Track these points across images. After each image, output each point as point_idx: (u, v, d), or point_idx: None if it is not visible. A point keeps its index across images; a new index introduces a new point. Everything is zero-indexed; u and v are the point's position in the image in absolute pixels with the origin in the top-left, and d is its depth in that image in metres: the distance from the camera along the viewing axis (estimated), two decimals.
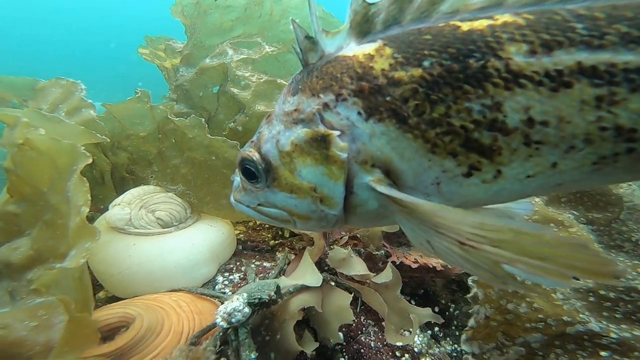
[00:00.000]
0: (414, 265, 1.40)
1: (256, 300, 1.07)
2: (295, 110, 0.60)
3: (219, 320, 1.03)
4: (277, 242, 1.63)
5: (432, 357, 1.31)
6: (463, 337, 1.16)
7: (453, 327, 1.46)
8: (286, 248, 1.59)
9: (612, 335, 0.99)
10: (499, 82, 0.48)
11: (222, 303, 1.16)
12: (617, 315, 1.03)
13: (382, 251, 1.51)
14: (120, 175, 1.63)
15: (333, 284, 1.28)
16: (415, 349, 1.31)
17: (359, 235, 1.54)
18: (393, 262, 1.37)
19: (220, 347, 1.09)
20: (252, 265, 1.49)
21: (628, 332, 0.99)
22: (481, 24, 0.51)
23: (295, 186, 0.61)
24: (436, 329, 1.45)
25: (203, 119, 1.38)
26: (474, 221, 0.45)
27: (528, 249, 0.42)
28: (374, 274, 1.32)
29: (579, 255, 0.40)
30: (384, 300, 1.27)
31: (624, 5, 0.46)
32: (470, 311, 1.15)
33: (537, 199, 1.16)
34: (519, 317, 1.06)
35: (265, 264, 1.52)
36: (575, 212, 1.18)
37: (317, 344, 1.18)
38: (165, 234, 1.40)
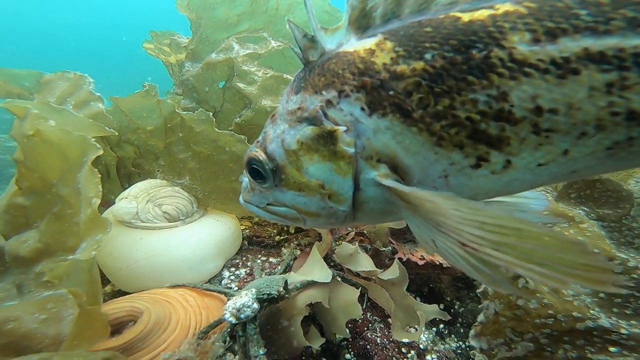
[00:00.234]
0: (421, 262, 1.40)
1: (265, 296, 1.07)
2: (299, 108, 0.60)
3: (227, 315, 1.03)
4: (282, 237, 1.63)
5: (438, 354, 1.31)
6: (472, 332, 1.16)
7: (458, 325, 1.46)
8: (292, 244, 1.59)
9: (623, 331, 0.98)
10: (504, 72, 0.48)
11: (229, 298, 1.16)
12: (627, 312, 1.02)
13: (389, 247, 1.51)
14: (127, 169, 1.62)
15: (340, 279, 1.28)
16: (421, 346, 1.31)
17: (365, 232, 1.53)
18: (400, 259, 1.37)
19: (228, 342, 1.09)
20: (258, 261, 1.49)
21: (638, 328, 0.98)
22: (482, 14, 0.50)
23: (304, 184, 0.61)
24: (441, 326, 1.45)
25: (210, 113, 1.37)
26: (476, 220, 0.44)
27: (528, 253, 0.41)
28: (381, 270, 1.32)
29: (578, 259, 0.39)
30: (390, 297, 1.27)
31: None
32: (479, 306, 1.15)
33: (548, 195, 1.16)
34: (529, 313, 1.06)
35: (271, 259, 1.52)
36: (585, 209, 1.18)
37: (323, 340, 1.18)
38: (172, 228, 1.40)
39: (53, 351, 0.84)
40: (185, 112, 1.40)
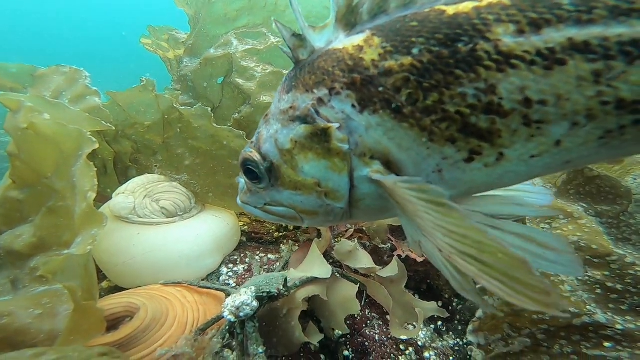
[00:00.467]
0: (420, 259, 1.40)
1: (265, 294, 1.06)
2: (291, 107, 0.60)
3: (226, 314, 1.02)
4: (281, 234, 1.63)
5: (436, 351, 1.31)
6: (470, 327, 1.16)
7: (456, 322, 1.46)
8: (290, 241, 1.58)
9: (618, 326, 0.99)
10: (491, 65, 0.47)
11: (227, 295, 1.15)
12: (623, 307, 1.02)
13: (388, 245, 1.51)
14: (124, 165, 1.61)
15: (338, 276, 1.28)
16: (419, 343, 1.31)
17: (364, 229, 1.53)
18: (399, 256, 1.37)
19: (227, 339, 1.08)
20: (257, 257, 1.48)
21: (633, 323, 0.99)
22: (466, 6, 0.50)
23: (299, 183, 0.61)
24: (439, 323, 1.45)
25: (209, 108, 1.36)
26: (445, 227, 0.44)
27: (487, 266, 0.42)
28: (380, 268, 1.32)
29: (524, 279, 0.40)
30: (389, 294, 1.27)
31: None
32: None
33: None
34: (526, 309, 1.07)
35: (269, 255, 1.51)
36: (584, 205, 1.18)
37: (322, 336, 1.18)
38: (170, 224, 1.39)
39: (48, 347, 0.83)
40: (183, 107, 1.39)
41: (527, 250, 0.49)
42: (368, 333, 1.28)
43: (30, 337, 0.82)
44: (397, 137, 0.53)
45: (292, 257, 1.42)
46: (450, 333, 1.44)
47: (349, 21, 0.58)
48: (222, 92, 1.88)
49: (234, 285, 1.38)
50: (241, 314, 1.02)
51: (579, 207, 1.16)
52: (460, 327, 1.44)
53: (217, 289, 1.27)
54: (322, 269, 1.18)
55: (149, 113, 1.50)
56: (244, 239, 1.63)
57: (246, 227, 1.66)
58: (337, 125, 0.55)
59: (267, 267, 1.44)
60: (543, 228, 1.16)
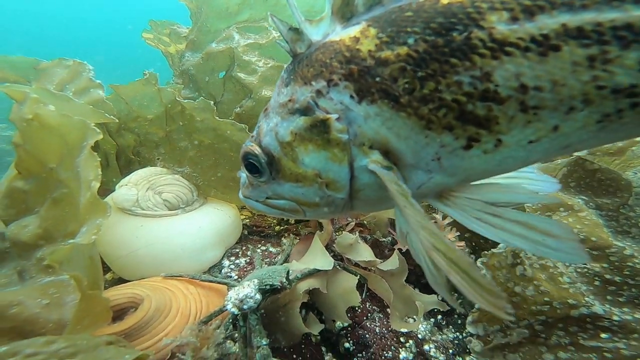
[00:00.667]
0: None
1: (267, 287, 1.07)
2: (290, 100, 0.60)
3: (230, 306, 1.03)
4: (282, 227, 1.64)
5: (435, 344, 1.32)
6: (469, 319, 1.17)
7: (455, 316, 1.47)
8: (291, 234, 1.60)
9: (615, 317, 1.00)
10: (486, 53, 0.47)
11: (229, 288, 1.16)
12: (620, 299, 1.04)
13: (389, 238, 1.52)
14: (126, 157, 1.62)
15: (339, 268, 1.29)
16: (419, 336, 1.32)
17: (365, 222, 1.54)
18: (399, 250, 1.38)
19: (230, 331, 1.09)
20: (258, 250, 1.49)
21: (630, 315, 1.00)
22: None
23: (300, 175, 0.61)
24: (439, 317, 1.46)
25: (212, 102, 1.37)
26: (420, 223, 0.46)
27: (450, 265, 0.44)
28: (380, 261, 1.33)
29: (477, 281, 0.42)
30: (389, 287, 1.28)
31: None
32: None
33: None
34: (525, 300, 1.07)
35: (271, 249, 1.52)
36: (585, 197, 1.19)
37: (322, 326, 1.19)
38: (172, 216, 1.40)
39: (57, 335, 0.84)
40: (186, 101, 1.40)
41: (527, 237, 0.50)
42: (369, 325, 1.29)
43: (39, 326, 0.83)
44: (395, 126, 0.53)
45: (294, 249, 1.44)
46: (450, 327, 1.45)
47: (344, 13, 0.58)
48: (223, 86, 1.89)
49: (236, 277, 1.39)
50: (245, 307, 1.03)
51: (579, 200, 1.17)
52: (459, 321, 1.45)
53: (219, 282, 1.27)
54: (325, 261, 1.19)
55: (152, 106, 1.51)
56: (246, 232, 1.64)
57: (247, 220, 1.67)
58: (335, 116, 0.56)
59: (268, 260, 1.45)
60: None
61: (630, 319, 0.99)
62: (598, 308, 1.02)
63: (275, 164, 0.63)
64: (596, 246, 1.08)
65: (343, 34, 0.57)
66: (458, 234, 1.48)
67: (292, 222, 1.66)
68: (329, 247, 1.41)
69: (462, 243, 1.47)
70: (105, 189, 1.58)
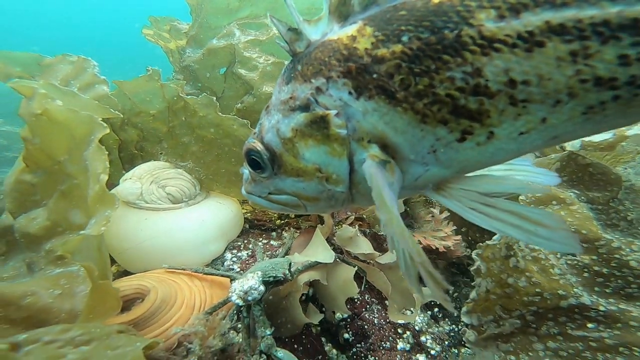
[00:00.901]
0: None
1: (271, 279, 1.10)
2: (291, 97, 0.63)
3: (234, 297, 1.06)
4: (283, 221, 1.67)
5: (432, 335, 1.36)
6: (463, 309, 1.20)
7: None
8: (291, 229, 1.63)
9: (601, 308, 1.04)
10: (476, 49, 0.50)
11: (232, 280, 1.19)
12: (607, 290, 1.07)
13: None
14: (129, 152, 1.64)
15: (339, 261, 1.32)
16: (416, 327, 1.36)
17: (364, 216, 1.58)
18: None
19: (234, 322, 1.12)
20: (260, 243, 1.52)
21: (615, 305, 1.04)
22: None
23: (301, 170, 0.63)
24: (436, 309, 1.50)
25: (214, 98, 1.40)
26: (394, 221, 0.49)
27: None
28: (379, 254, 1.36)
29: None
30: (387, 280, 1.31)
31: None
32: (472, 284, 1.19)
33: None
34: (518, 291, 1.10)
35: (272, 242, 1.55)
36: (576, 191, 1.23)
37: (322, 316, 1.22)
38: (176, 210, 1.42)
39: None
40: (189, 97, 1.42)
41: (520, 227, 0.52)
42: (367, 317, 1.33)
43: (52, 315, 0.86)
44: (392, 120, 0.56)
45: (294, 243, 1.46)
46: (446, 319, 1.49)
47: (341, 13, 0.60)
48: (224, 82, 1.91)
49: (238, 270, 1.42)
50: (249, 298, 1.05)
51: (571, 193, 1.21)
52: (456, 314, 1.49)
53: (221, 275, 1.29)
54: (326, 254, 1.21)
55: (155, 102, 1.53)
56: (247, 226, 1.66)
57: (249, 214, 1.70)
58: (334, 112, 0.58)
59: (270, 252, 1.48)
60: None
61: (615, 310, 1.03)
62: (586, 299, 1.05)
63: (277, 160, 0.65)
64: (586, 239, 1.11)
65: (341, 33, 0.59)
66: (455, 227, 1.52)
67: (293, 216, 1.69)
68: (329, 241, 1.44)
69: (459, 237, 1.51)
70: (110, 183, 1.60)
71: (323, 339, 1.28)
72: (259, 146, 0.66)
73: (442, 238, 1.48)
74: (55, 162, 1.06)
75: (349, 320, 1.30)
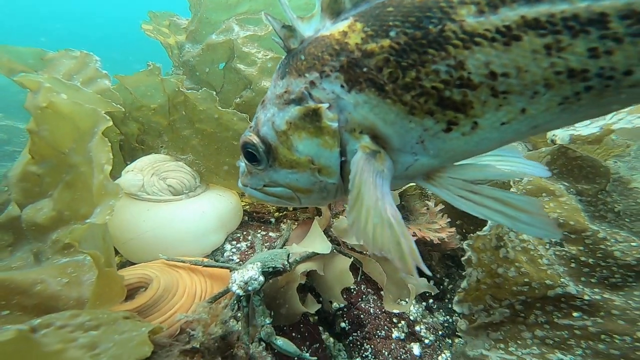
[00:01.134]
0: (413, 238, 1.47)
1: (270, 269, 1.13)
2: (286, 91, 0.65)
3: (235, 288, 1.09)
4: (281, 214, 1.70)
5: (426, 325, 1.39)
6: (455, 298, 1.23)
7: (446, 300, 1.54)
8: (288, 221, 1.66)
9: (586, 297, 1.07)
10: (458, 43, 0.52)
11: (232, 271, 1.21)
12: (592, 280, 1.11)
13: None
14: (130, 146, 1.67)
15: (336, 252, 1.35)
16: (411, 317, 1.39)
17: None
18: None
19: (235, 311, 1.16)
20: (259, 235, 1.56)
21: (599, 294, 1.08)
22: None
23: (294, 161, 0.66)
24: (430, 301, 1.52)
25: (214, 92, 1.42)
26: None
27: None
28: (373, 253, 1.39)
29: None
30: (383, 271, 1.34)
31: None
32: (463, 273, 1.23)
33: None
34: (507, 281, 1.13)
35: (270, 234, 1.59)
36: (565, 183, 1.26)
37: (319, 305, 1.25)
38: (177, 202, 1.45)
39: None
40: (189, 91, 1.45)
41: (504, 213, 0.56)
42: (363, 306, 1.36)
43: (61, 302, 0.89)
44: (382, 112, 0.58)
45: (292, 234, 1.49)
46: (441, 310, 1.51)
47: (333, 10, 0.63)
48: (223, 77, 1.93)
49: (238, 260, 1.45)
50: (249, 288, 1.08)
51: (560, 186, 1.24)
52: (450, 306, 1.50)
53: (221, 267, 1.31)
54: (323, 245, 1.24)
55: (156, 96, 1.55)
56: (246, 218, 1.69)
57: (248, 207, 1.72)
58: (326, 105, 0.61)
59: (268, 244, 1.51)
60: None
61: (599, 299, 1.07)
62: (572, 288, 1.08)
63: (272, 152, 0.68)
64: (574, 230, 1.15)
65: (333, 29, 0.62)
66: (449, 220, 1.56)
67: (291, 208, 1.72)
68: (326, 232, 1.46)
69: (453, 229, 1.54)
70: (112, 176, 1.63)
71: (320, 328, 1.30)
72: (255, 139, 0.69)
73: (436, 230, 1.51)
74: (60, 154, 1.09)
75: (345, 309, 1.33)
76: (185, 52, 1.91)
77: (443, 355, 1.30)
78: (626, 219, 1.23)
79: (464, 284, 1.22)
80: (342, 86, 0.60)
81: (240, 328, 1.15)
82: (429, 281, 1.42)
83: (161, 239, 1.34)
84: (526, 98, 0.53)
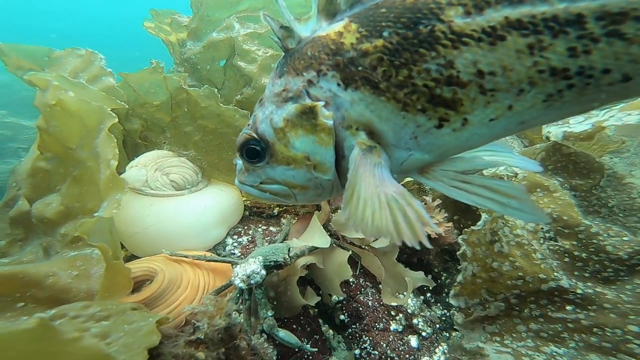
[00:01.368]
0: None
1: (272, 263, 1.15)
2: (284, 90, 0.67)
3: (237, 281, 1.11)
4: (281, 208, 1.73)
5: (424, 318, 1.41)
6: (451, 292, 1.26)
7: (444, 295, 1.55)
8: (288, 216, 1.68)
9: (578, 291, 1.11)
10: (447, 43, 0.55)
11: (234, 265, 1.24)
12: (585, 274, 1.14)
13: None
14: (133, 142, 1.69)
15: (335, 246, 1.37)
16: (409, 310, 1.41)
17: None
18: None
19: (238, 304, 1.19)
20: (259, 230, 1.59)
21: (592, 288, 1.11)
22: None
23: (291, 158, 0.68)
24: (428, 294, 1.54)
25: (216, 89, 1.45)
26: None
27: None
28: (373, 239, 1.42)
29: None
30: (381, 265, 1.36)
31: None
32: (459, 267, 1.25)
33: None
34: (502, 275, 1.17)
35: (271, 228, 1.61)
36: (560, 179, 1.29)
37: (318, 298, 1.28)
38: (179, 196, 1.47)
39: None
40: (192, 88, 1.47)
41: (493, 199, 0.58)
42: (362, 299, 1.38)
43: (72, 295, 0.92)
44: (377, 109, 0.61)
45: (292, 228, 1.51)
46: (438, 304, 1.52)
47: (329, 11, 0.66)
48: (224, 74, 1.95)
49: (239, 255, 1.48)
50: (252, 282, 1.11)
51: (555, 181, 1.26)
52: (447, 300, 1.53)
53: (222, 261, 1.33)
54: (323, 239, 1.26)
55: (159, 93, 1.57)
56: (247, 213, 1.71)
57: (248, 202, 1.74)
58: (322, 103, 0.63)
59: (269, 238, 1.53)
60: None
61: (591, 292, 1.10)
62: (565, 282, 1.12)
63: (270, 149, 0.70)
64: (567, 224, 1.18)
65: (329, 30, 0.64)
66: (447, 215, 1.58)
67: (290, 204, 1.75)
68: (325, 227, 1.49)
69: (450, 224, 1.57)
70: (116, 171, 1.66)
71: (320, 320, 1.33)
72: (253, 136, 0.71)
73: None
74: (67, 150, 1.12)
75: (344, 302, 1.35)
76: (187, 49, 1.93)
77: (440, 347, 1.32)
78: (619, 214, 1.26)
79: (459, 277, 1.24)
80: (338, 84, 0.62)
81: (242, 320, 1.18)
82: (426, 275, 1.44)
83: (165, 233, 1.37)
84: (512, 95, 0.55)
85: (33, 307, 0.87)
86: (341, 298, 1.35)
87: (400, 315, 1.39)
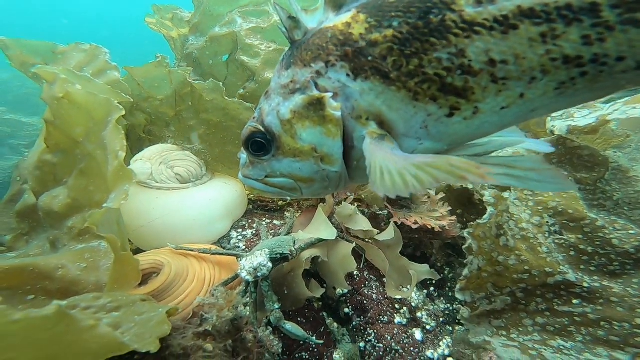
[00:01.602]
0: (414, 226, 1.51)
1: (278, 256, 1.16)
2: (291, 81, 0.67)
3: (244, 274, 1.12)
4: (285, 202, 1.73)
5: (427, 312, 1.42)
6: (457, 286, 1.26)
7: (447, 289, 1.57)
8: (291, 209, 1.69)
9: (585, 285, 1.11)
10: (459, 32, 0.55)
11: (239, 258, 1.24)
12: (591, 268, 1.14)
13: (385, 211, 1.61)
14: (138, 136, 1.69)
15: (339, 238, 1.37)
16: (413, 304, 1.42)
17: (363, 196, 1.63)
18: (395, 223, 1.47)
19: (245, 297, 1.19)
20: (264, 223, 1.59)
21: (598, 282, 1.11)
22: None
23: (298, 150, 0.68)
24: (432, 288, 1.55)
25: (221, 83, 1.45)
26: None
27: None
28: (378, 232, 1.42)
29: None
30: (385, 258, 1.36)
31: None
32: (464, 261, 1.25)
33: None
34: (508, 269, 1.17)
35: (275, 221, 1.62)
36: (565, 172, 1.28)
37: (323, 290, 1.28)
38: (184, 190, 1.47)
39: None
40: (196, 82, 1.47)
41: (512, 175, 0.56)
42: (366, 292, 1.38)
43: (81, 287, 0.92)
44: (387, 99, 0.61)
45: (296, 222, 1.51)
46: (442, 298, 1.53)
47: (336, 3, 0.66)
48: (227, 69, 1.95)
49: (244, 247, 1.48)
50: (258, 274, 1.11)
51: None
52: (451, 294, 1.52)
53: (228, 254, 1.33)
54: (329, 231, 1.26)
55: (163, 87, 1.57)
56: (251, 207, 1.72)
57: (252, 195, 1.75)
58: (330, 94, 0.63)
59: (273, 231, 1.54)
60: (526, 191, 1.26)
61: (598, 286, 1.10)
62: (571, 276, 1.12)
63: (276, 142, 0.70)
64: (573, 218, 1.18)
65: (336, 21, 0.64)
66: (450, 208, 1.59)
67: None
68: (329, 219, 1.49)
69: (454, 217, 1.57)
70: None
71: (325, 313, 1.34)
72: (259, 129, 0.70)
73: (437, 218, 1.54)
74: (74, 142, 1.12)
75: (348, 295, 1.36)
76: (189, 44, 1.93)
77: (444, 340, 1.32)
78: (625, 207, 1.26)
79: (465, 271, 1.24)
80: (347, 75, 0.62)
81: (249, 313, 1.19)
82: (430, 267, 1.46)
83: (170, 226, 1.37)
84: (524, 83, 0.56)
85: (43, 299, 0.87)
86: (346, 291, 1.36)
87: (405, 308, 1.40)
